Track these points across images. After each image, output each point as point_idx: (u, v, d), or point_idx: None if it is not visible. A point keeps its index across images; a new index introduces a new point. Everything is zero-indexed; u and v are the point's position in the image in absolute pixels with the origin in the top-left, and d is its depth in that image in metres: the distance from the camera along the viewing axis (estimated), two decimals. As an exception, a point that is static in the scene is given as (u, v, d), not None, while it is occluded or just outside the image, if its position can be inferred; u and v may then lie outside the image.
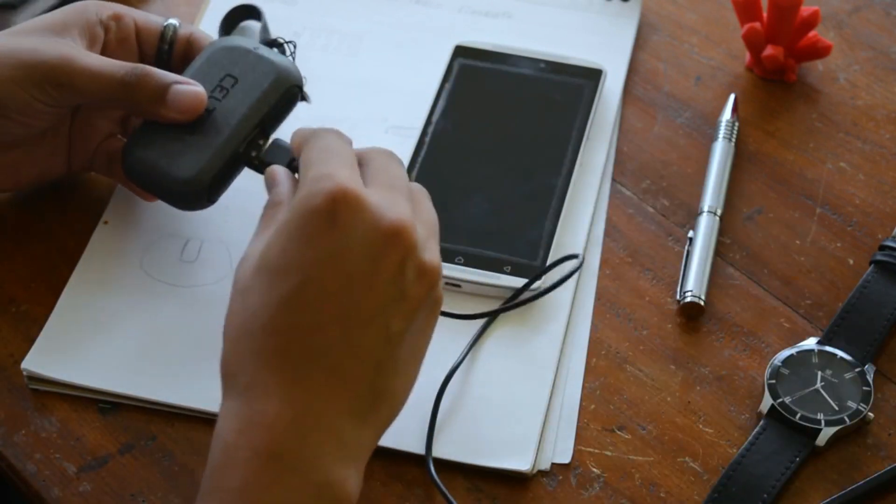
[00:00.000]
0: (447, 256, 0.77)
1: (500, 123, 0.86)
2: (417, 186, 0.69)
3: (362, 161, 0.67)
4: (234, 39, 0.78)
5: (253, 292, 0.62)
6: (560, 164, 0.83)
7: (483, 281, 0.78)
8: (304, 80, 0.77)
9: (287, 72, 0.76)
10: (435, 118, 0.86)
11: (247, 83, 0.75)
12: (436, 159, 0.84)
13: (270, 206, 0.66)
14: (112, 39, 0.79)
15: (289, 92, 0.76)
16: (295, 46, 0.83)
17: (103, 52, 0.78)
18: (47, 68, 0.74)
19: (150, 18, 0.80)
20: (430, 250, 0.64)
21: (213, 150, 0.74)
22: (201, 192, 0.74)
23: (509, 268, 0.78)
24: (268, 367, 0.61)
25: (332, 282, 0.61)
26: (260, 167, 0.74)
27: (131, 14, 0.79)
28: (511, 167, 0.84)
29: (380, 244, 0.62)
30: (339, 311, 0.61)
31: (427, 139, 0.85)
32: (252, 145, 0.74)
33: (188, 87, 0.75)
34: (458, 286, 0.78)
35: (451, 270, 0.78)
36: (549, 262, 0.78)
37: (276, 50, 0.79)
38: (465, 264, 0.78)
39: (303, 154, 0.66)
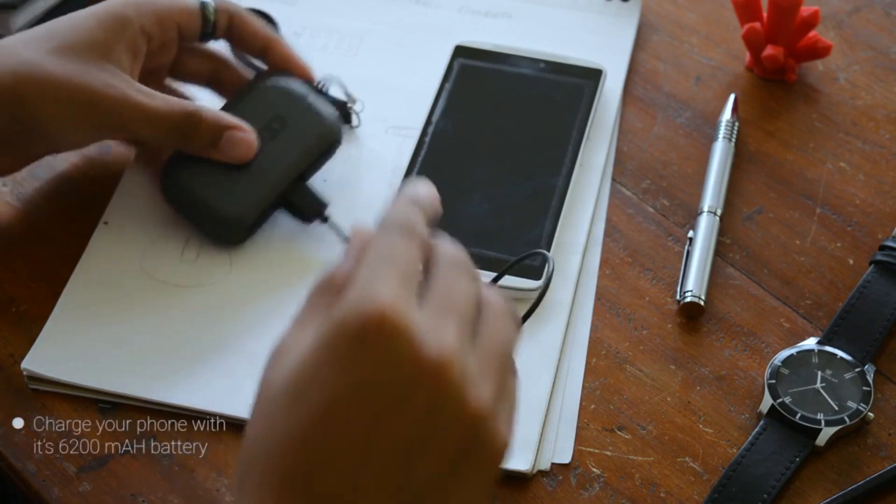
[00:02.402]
0: None
1: (500, 123, 0.86)
2: (493, 299, 0.56)
3: (430, 265, 0.55)
4: (289, 81, 0.82)
5: (278, 409, 0.52)
6: (560, 164, 0.83)
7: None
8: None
9: (334, 126, 0.81)
10: (435, 118, 0.86)
11: (295, 130, 0.80)
12: (436, 159, 0.84)
13: (324, 288, 0.54)
14: (155, 48, 0.79)
15: (331, 146, 0.81)
16: (329, 86, 0.85)
17: (146, 62, 0.78)
18: (103, 112, 0.75)
19: (185, 6, 0.79)
20: (481, 389, 0.52)
21: (259, 194, 0.78)
22: (243, 231, 0.79)
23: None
24: (272, 497, 0.52)
25: (353, 420, 0.51)
26: (293, 211, 0.79)
27: (169, 11, 0.78)
28: (511, 167, 0.83)
29: (410, 381, 0.51)
30: (355, 456, 0.51)
31: (427, 139, 0.85)
32: (291, 191, 0.79)
33: (241, 136, 0.77)
34: None
35: None
36: (547, 265, 0.76)
37: (324, 98, 0.83)
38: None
39: (362, 255, 0.54)
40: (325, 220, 0.79)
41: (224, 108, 0.80)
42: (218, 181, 0.78)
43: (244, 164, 0.78)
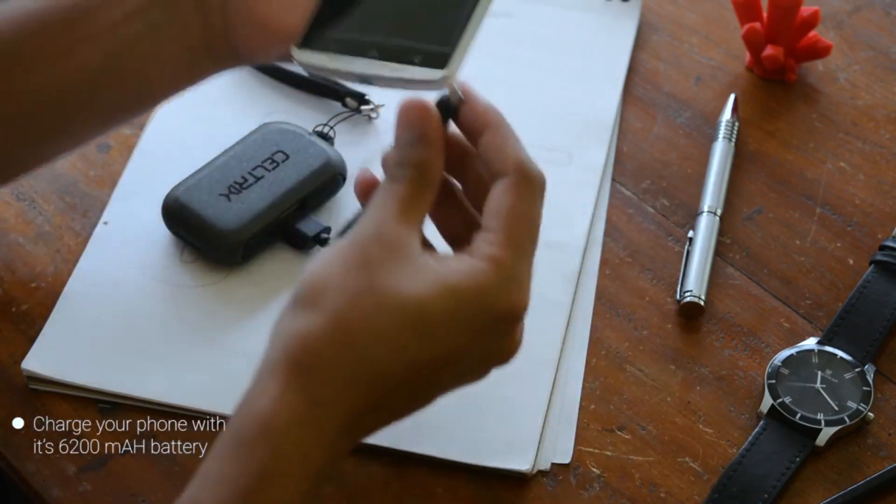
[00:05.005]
0: (360, 49, 0.67)
1: None
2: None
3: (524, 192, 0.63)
4: (290, 124, 0.83)
5: (410, 333, 0.59)
6: None
7: (394, 76, 0.65)
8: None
9: (336, 159, 0.82)
10: None
11: (297, 160, 0.81)
12: None
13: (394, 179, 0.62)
14: None
15: (333, 178, 0.81)
16: (335, 133, 0.86)
17: None
18: None
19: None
20: (525, 294, 0.63)
21: (256, 213, 0.78)
22: (238, 247, 0.78)
23: (419, 58, 0.65)
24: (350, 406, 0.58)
25: (461, 360, 0.61)
26: (295, 240, 0.79)
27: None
28: None
29: (500, 323, 0.62)
30: (452, 370, 0.62)
31: None
32: (292, 217, 0.79)
33: None
34: (371, 83, 0.67)
35: (362, 66, 0.66)
36: (455, 50, 0.65)
37: (326, 141, 0.84)
38: (379, 57, 0.66)
39: (511, 199, 0.62)
40: (324, 243, 0.79)
41: (231, 147, 0.81)
42: (217, 202, 0.78)
43: (245, 189, 0.79)
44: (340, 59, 0.67)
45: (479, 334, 0.61)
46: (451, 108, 0.65)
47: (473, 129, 0.64)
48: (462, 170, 0.66)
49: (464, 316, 0.59)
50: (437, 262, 0.60)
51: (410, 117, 0.63)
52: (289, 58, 0.68)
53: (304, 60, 0.67)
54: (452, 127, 0.66)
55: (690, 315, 0.78)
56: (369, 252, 0.59)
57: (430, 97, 0.65)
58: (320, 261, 0.60)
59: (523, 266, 0.62)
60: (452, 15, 0.67)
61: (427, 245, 0.64)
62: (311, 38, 0.67)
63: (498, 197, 0.62)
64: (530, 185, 0.62)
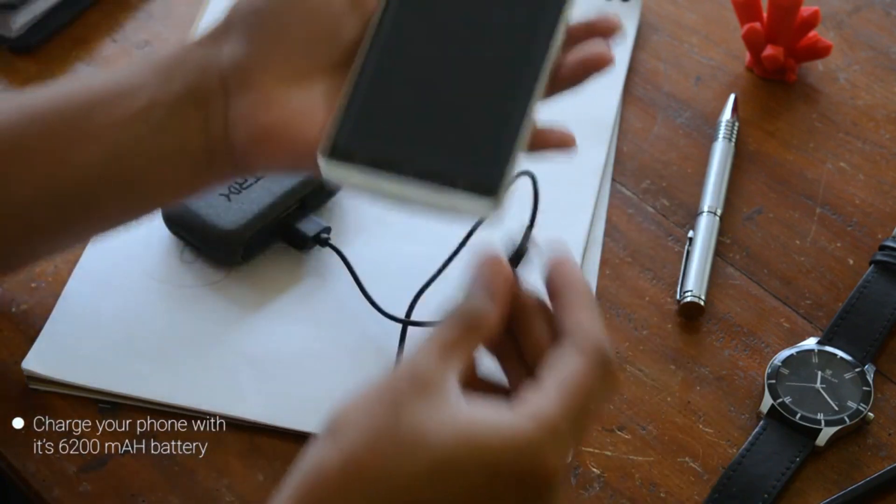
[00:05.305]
0: (394, 165, 0.60)
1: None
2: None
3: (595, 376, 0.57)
4: None
5: (426, 483, 0.55)
6: (532, 38, 0.64)
7: (434, 202, 0.60)
8: None
9: None
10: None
11: None
12: (391, 50, 0.64)
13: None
14: None
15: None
16: None
17: None
18: None
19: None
20: (565, 457, 0.56)
21: (256, 213, 0.78)
22: (238, 247, 0.78)
23: (463, 180, 0.59)
24: None
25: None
26: (295, 240, 0.79)
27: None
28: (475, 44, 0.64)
29: (528, 495, 0.56)
30: None
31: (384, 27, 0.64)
32: (292, 217, 0.79)
33: None
34: (406, 205, 0.61)
35: (397, 187, 0.60)
36: (505, 174, 0.60)
37: None
38: (416, 177, 0.60)
39: (581, 371, 0.56)
40: (324, 243, 0.79)
41: None
42: (217, 203, 0.78)
43: (245, 191, 0.78)
44: (371, 175, 0.60)
45: (497, 495, 0.55)
46: (521, 256, 0.60)
47: (554, 287, 0.60)
48: (521, 322, 0.61)
49: (484, 472, 0.54)
50: (473, 407, 0.56)
51: (484, 276, 0.58)
52: (295, 171, 0.66)
53: (331, 173, 0.61)
54: (527, 275, 0.60)
55: (690, 315, 0.78)
56: (399, 388, 0.56)
57: (498, 241, 0.60)
58: (354, 392, 0.57)
59: (566, 439, 0.55)
60: (499, 118, 0.62)
61: (479, 384, 0.59)
62: (339, 146, 0.61)
63: (566, 362, 0.57)
64: (605, 373, 0.57)
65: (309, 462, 0.56)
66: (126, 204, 0.68)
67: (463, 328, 0.58)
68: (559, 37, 0.64)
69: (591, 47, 0.65)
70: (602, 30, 0.66)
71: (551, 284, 0.60)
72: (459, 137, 0.62)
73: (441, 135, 0.62)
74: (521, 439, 0.54)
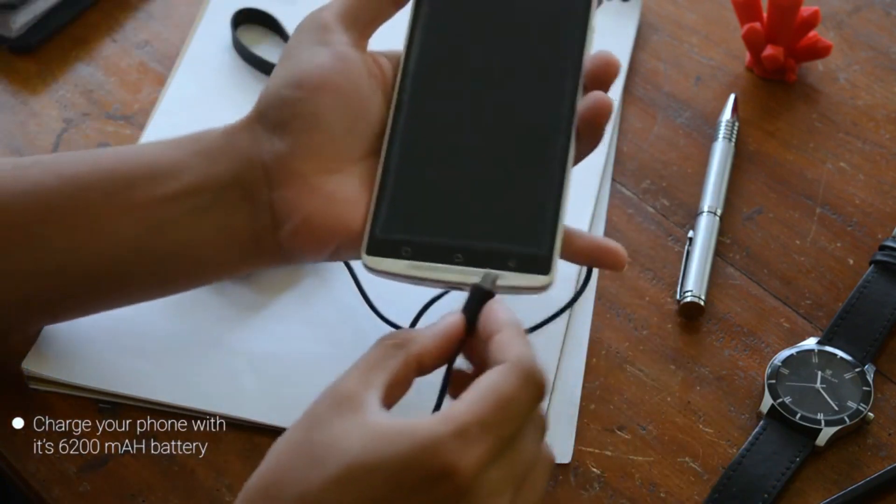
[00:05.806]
0: (442, 255, 0.62)
1: (483, 63, 0.67)
2: (546, 455, 0.59)
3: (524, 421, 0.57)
4: None
5: (316, 490, 0.55)
6: (558, 102, 0.65)
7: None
8: None
9: None
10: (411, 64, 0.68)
11: None
12: (417, 128, 0.66)
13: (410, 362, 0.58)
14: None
15: None
16: None
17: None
18: None
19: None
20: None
21: None
22: None
23: (514, 261, 0.62)
24: None
25: None
26: None
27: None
28: (501, 120, 0.65)
29: (439, 493, 0.55)
30: None
31: (405, 95, 0.67)
32: None
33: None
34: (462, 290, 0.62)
35: (450, 274, 0.62)
36: (555, 248, 0.62)
37: None
38: (466, 263, 0.62)
39: (497, 378, 0.56)
40: None
41: None
42: None
43: None
44: (421, 266, 0.61)
45: (405, 495, 0.55)
46: (482, 302, 0.59)
47: (488, 331, 0.59)
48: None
49: (390, 469, 0.55)
50: (390, 417, 0.57)
51: (443, 335, 0.59)
52: (340, 258, 0.66)
53: (379, 267, 0.61)
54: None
55: (690, 315, 0.78)
56: (318, 409, 0.58)
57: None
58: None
59: (478, 440, 0.55)
60: (539, 190, 0.61)
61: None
62: (380, 242, 0.61)
63: (487, 374, 0.57)
64: (525, 378, 0.57)
65: (247, 482, 0.58)
66: (158, 278, 0.70)
67: (384, 348, 0.59)
68: (580, 99, 0.64)
69: (593, 99, 0.66)
70: (602, 79, 0.67)
71: (482, 330, 0.60)
72: (502, 216, 0.62)
73: (482, 215, 0.62)
74: (424, 436, 0.54)
